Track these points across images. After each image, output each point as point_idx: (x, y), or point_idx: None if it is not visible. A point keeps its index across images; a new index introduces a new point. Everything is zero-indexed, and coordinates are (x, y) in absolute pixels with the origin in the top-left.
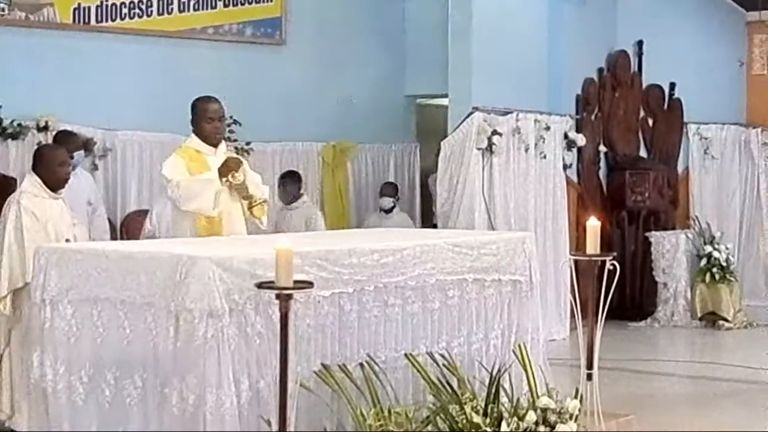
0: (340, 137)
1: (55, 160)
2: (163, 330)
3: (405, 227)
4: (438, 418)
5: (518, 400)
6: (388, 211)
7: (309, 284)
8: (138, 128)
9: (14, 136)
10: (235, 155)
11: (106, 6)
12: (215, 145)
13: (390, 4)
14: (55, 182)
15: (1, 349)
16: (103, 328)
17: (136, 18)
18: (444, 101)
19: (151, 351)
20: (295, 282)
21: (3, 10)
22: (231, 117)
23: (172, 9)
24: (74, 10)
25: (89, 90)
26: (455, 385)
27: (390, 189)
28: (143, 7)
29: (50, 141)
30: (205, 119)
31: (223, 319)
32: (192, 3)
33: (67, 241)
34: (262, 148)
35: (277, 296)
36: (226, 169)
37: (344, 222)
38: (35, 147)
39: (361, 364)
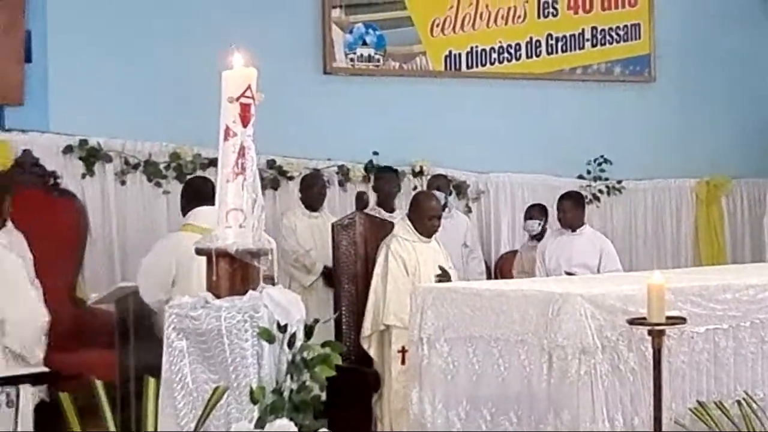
0: (713, 172)
1: (427, 213)
2: (536, 367)
3: None
4: None
5: None
6: (536, 237)
7: (682, 320)
8: (509, 170)
9: None
10: None
11: (476, 52)
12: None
13: (758, 33)
14: (423, 232)
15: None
16: (478, 365)
17: (505, 62)
18: None
19: (526, 387)
20: (668, 318)
21: (378, 61)
22: (601, 156)
23: (540, 52)
24: (445, 57)
25: (461, 134)
26: None
27: (536, 211)
28: (512, 51)
29: (425, 185)
30: None
31: (595, 356)
32: (560, 45)
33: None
34: (633, 185)
35: (650, 332)
36: None
37: (720, 259)
38: (412, 192)
39: (738, 402)
